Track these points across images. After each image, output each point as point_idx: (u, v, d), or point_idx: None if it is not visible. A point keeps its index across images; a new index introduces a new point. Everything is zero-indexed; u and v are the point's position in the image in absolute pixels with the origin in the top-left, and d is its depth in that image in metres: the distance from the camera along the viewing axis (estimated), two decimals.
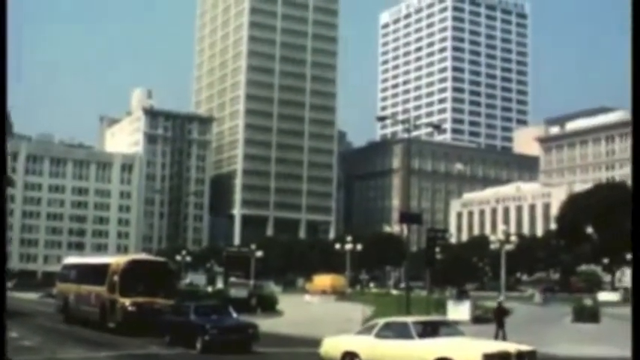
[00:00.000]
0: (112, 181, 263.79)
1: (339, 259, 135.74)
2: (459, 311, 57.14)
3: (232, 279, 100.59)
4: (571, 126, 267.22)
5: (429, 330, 25.22)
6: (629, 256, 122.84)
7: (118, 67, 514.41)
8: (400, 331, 24.90)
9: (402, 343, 24.41)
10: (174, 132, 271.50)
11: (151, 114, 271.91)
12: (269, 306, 68.86)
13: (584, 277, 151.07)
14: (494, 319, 42.65)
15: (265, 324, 43.42)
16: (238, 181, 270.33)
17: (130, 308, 41.10)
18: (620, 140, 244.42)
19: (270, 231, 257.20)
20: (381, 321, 26.99)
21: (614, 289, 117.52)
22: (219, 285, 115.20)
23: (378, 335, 25.47)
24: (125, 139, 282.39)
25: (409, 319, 26.42)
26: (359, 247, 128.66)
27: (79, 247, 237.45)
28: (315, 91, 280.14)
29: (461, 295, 76.47)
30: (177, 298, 44.81)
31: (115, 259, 46.95)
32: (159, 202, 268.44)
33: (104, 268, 45.06)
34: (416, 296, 78.69)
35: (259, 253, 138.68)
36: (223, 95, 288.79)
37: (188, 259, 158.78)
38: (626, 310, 74.36)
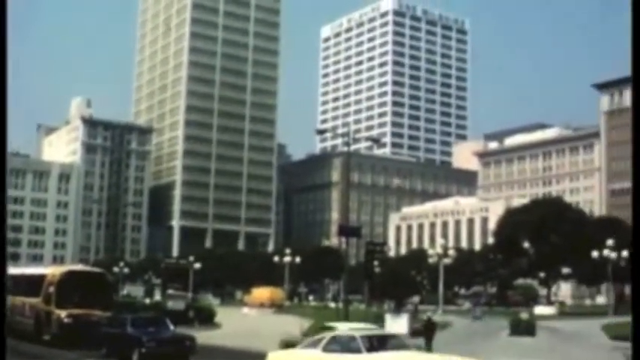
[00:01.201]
0: (48, 191, 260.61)
1: (278, 272, 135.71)
2: (397, 324, 57.22)
3: (170, 291, 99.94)
4: (509, 141, 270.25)
5: (377, 344, 24.75)
6: (564, 270, 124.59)
7: (56, 76, 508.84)
8: (348, 345, 24.54)
9: (350, 357, 24.04)
10: (113, 142, 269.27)
11: (90, 123, 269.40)
12: (207, 318, 68.45)
13: (521, 291, 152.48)
14: (424, 334, 42.80)
15: (203, 336, 43.07)
16: (177, 193, 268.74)
17: (65, 320, 40.46)
18: (557, 156, 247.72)
19: (208, 243, 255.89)
20: (328, 335, 26.60)
21: (549, 302, 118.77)
22: (157, 297, 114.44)
23: (326, 349, 25.05)
24: (63, 148, 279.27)
25: (357, 333, 25.91)
26: (298, 259, 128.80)
27: (14, 258, 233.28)
28: (255, 103, 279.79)
29: (399, 309, 76.76)
30: (114, 310, 44.24)
31: (50, 270, 46.23)
32: (97, 212, 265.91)
33: (39, 278, 44.37)
34: (354, 309, 78.86)
35: (197, 265, 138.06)
36: (163, 106, 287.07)
37: (126, 270, 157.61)
38: (562, 324, 75.32)
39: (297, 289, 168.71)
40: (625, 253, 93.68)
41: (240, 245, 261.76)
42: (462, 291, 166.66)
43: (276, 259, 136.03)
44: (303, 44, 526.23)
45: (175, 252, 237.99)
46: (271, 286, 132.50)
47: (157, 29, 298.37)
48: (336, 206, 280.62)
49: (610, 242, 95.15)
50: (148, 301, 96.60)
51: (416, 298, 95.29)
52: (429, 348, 39.29)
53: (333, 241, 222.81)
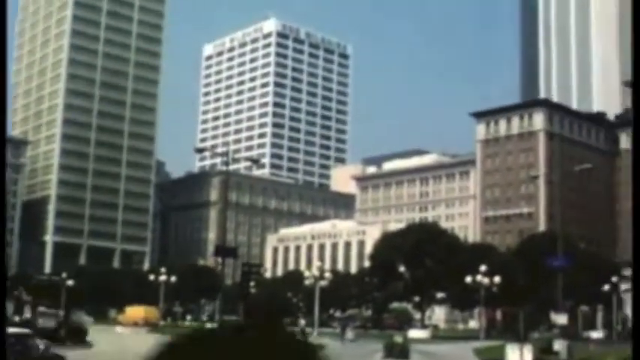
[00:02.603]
0: None
1: (153, 291, 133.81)
2: None
3: (41, 308, 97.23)
4: (387, 166, 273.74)
5: None
6: (439, 295, 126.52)
7: None
8: None
9: None
10: None
11: None
12: (79, 337, 66.83)
13: (396, 314, 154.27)
14: None
15: (73, 356, 41.98)
16: (52, 207, 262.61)
17: None
18: (434, 182, 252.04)
19: (83, 260, 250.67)
20: None
21: (423, 326, 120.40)
22: (27, 314, 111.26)
23: None
24: None
25: None
26: (173, 278, 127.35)
27: None
28: (134, 119, 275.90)
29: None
30: None
31: None
32: None
33: None
34: None
35: (70, 282, 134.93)
36: (40, 118, 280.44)
37: None
38: (435, 347, 76.37)
39: (173, 308, 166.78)
40: (497, 279, 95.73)
41: (116, 263, 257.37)
42: (338, 313, 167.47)
43: (151, 277, 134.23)
44: (185, 62, 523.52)
45: (48, 268, 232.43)
46: (146, 305, 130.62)
47: (35, 39, 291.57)
48: (213, 226, 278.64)
49: (483, 268, 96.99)
50: (17, 318, 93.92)
51: (303, 321, 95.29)
52: None
53: (210, 260, 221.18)
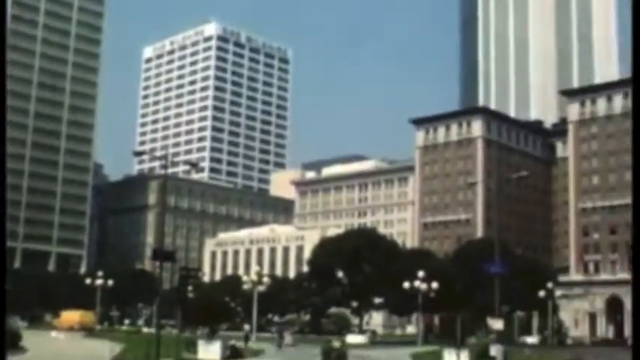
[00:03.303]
0: None
1: (90, 295, 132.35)
2: (209, 351, 56.78)
3: None
4: (326, 172, 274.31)
5: None
6: (377, 300, 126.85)
7: None
8: None
9: None
10: None
11: None
12: (12, 342, 65.72)
13: (334, 320, 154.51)
14: None
15: None
16: None
17: None
18: (373, 188, 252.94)
19: (17, 263, 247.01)
20: None
21: (361, 331, 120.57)
22: None
23: None
24: None
25: None
26: (110, 282, 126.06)
27: None
28: (72, 121, 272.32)
29: (212, 335, 76.17)
30: None
31: None
32: None
33: None
34: (167, 335, 77.70)
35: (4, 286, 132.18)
36: None
37: None
38: (372, 352, 76.61)
39: (109, 312, 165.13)
40: (435, 285, 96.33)
41: (52, 266, 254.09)
42: (276, 318, 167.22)
43: (88, 281, 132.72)
44: (124, 64, 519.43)
45: None
46: (82, 309, 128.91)
47: None
48: (151, 229, 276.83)
49: (421, 273, 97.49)
50: None
51: (247, 326, 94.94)
52: None
53: (148, 264, 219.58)
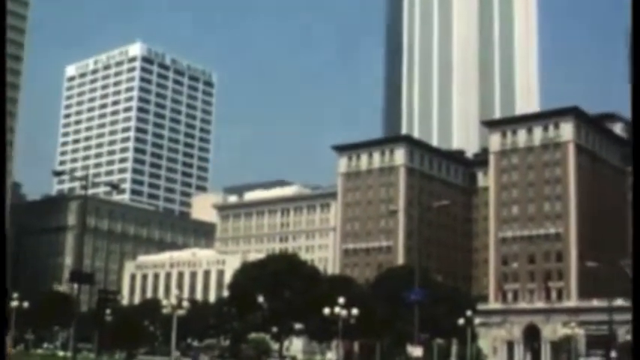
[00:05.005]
0: None
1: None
2: None
3: None
4: (249, 196, 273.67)
5: None
6: (297, 326, 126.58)
7: None
8: None
9: None
10: None
11: None
12: None
13: (254, 345, 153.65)
14: None
15: None
16: None
17: None
18: (295, 213, 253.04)
19: None
20: None
21: (281, 357, 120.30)
22: None
23: None
24: None
25: None
26: (26, 304, 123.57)
27: None
28: None
29: (130, 358, 75.18)
30: None
31: None
32: None
33: None
34: (84, 358, 76.51)
35: None
36: None
37: None
38: None
39: (25, 335, 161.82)
40: (355, 311, 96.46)
41: None
42: (196, 343, 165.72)
43: None
44: (46, 82, 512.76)
45: None
46: None
47: None
48: (70, 251, 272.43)
49: (341, 300, 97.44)
50: None
51: (177, 352, 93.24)
52: None
53: (65, 286, 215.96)
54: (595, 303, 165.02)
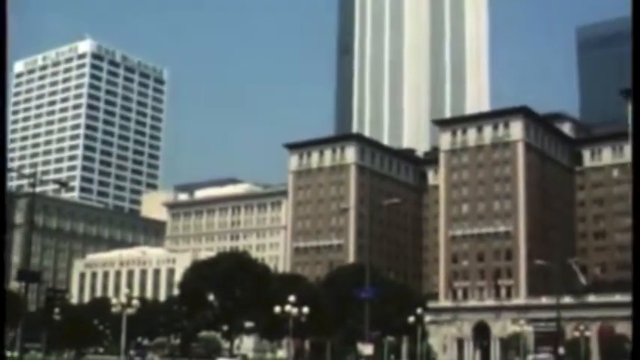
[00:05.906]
0: None
1: None
2: None
3: None
4: (199, 194, 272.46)
5: None
6: (247, 324, 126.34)
7: None
8: None
9: None
10: None
11: None
12: None
13: (204, 344, 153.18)
14: None
15: None
16: None
17: None
18: (246, 212, 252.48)
19: None
20: None
21: (232, 355, 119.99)
22: None
23: None
24: None
25: None
26: None
27: None
28: None
29: (79, 358, 74.46)
30: None
31: None
32: None
33: None
34: (31, 358, 75.68)
35: None
36: None
37: None
38: None
39: None
40: (305, 309, 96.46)
41: None
42: (146, 341, 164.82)
43: None
44: None
45: None
46: None
47: None
48: (17, 249, 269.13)
49: (292, 298, 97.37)
50: None
51: (132, 351, 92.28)
52: None
53: (13, 285, 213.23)
54: (544, 300, 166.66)
